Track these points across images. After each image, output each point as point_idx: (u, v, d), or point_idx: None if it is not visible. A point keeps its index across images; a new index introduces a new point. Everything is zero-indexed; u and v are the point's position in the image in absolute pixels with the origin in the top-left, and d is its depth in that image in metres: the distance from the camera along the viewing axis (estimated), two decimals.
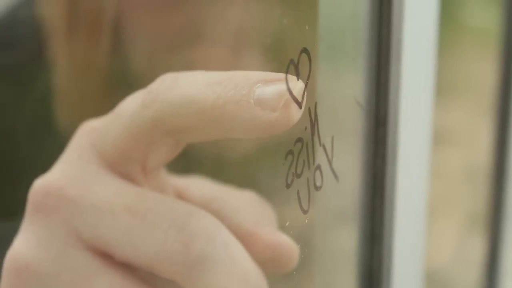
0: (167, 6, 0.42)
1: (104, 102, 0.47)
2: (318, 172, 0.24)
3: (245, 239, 0.26)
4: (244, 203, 0.28)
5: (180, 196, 0.29)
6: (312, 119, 0.24)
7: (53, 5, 0.46)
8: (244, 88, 0.22)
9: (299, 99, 0.22)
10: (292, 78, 0.22)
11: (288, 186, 0.23)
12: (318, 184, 0.24)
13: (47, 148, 0.49)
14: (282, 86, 0.22)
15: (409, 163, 0.30)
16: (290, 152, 0.23)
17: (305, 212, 0.24)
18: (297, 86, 0.22)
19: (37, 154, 0.49)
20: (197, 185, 0.30)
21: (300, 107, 0.22)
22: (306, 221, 0.24)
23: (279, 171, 0.23)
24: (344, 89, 0.30)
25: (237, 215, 0.27)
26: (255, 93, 0.22)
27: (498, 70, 0.63)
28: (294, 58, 0.22)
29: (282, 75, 0.22)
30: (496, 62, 0.63)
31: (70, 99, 0.48)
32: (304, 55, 0.23)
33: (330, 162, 0.25)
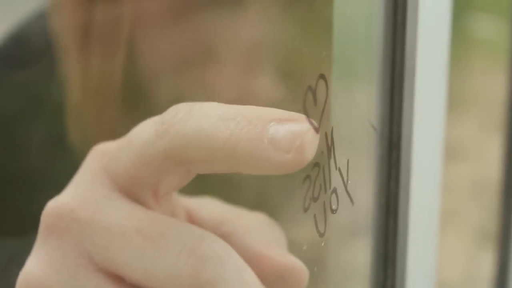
0: (180, 24, 0.43)
1: (117, 118, 0.47)
2: (334, 195, 0.25)
3: (255, 261, 0.27)
4: (255, 225, 0.28)
5: (191, 217, 0.29)
6: (328, 143, 0.24)
7: (67, 22, 0.47)
8: (258, 126, 0.22)
9: (313, 140, 0.22)
10: (307, 119, 0.22)
11: (305, 210, 0.24)
12: (334, 207, 0.25)
13: (59, 163, 0.50)
14: (296, 126, 0.22)
15: (422, 185, 0.30)
16: (308, 176, 0.24)
17: (321, 235, 0.24)
18: (314, 126, 0.22)
19: (50, 170, 0.50)
20: (208, 206, 0.30)
21: (315, 150, 0.22)
22: (323, 244, 0.24)
23: (296, 195, 0.24)
24: (358, 112, 0.30)
25: (247, 236, 0.28)
26: (269, 132, 0.22)
27: (508, 83, 0.63)
28: (311, 84, 0.23)
29: (297, 115, 0.22)
30: (505, 76, 0.63)
31: (82, 114, 0.49)
32: (321, 81, 0.24)
33: (345, 185, 0.25)
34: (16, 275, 0.26)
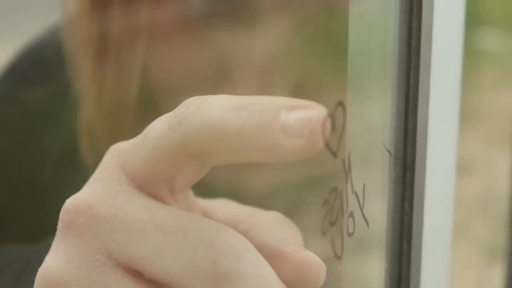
0: (194, 42, 0.43)
1: (130, 136, 0.47)
2: (350, 219, 0.25)
3: (272, 257, 0.27)
4: (271, 223, 0.28)
5: (207, 217, 0.29)
6: (346, 168, 0.25)
7: (82, 38, 0.47)
8: (269, 114, 0.23)
9: (324, 127, 0.22)
10: (317, 107, 0.22)
11: (324, 233, 0.24)
12: (350, 230, 0.25)
13: (72, 180, 0.50)
14: (307, 113, 0.22)
15: (436, 206, 0.31)
16: (326, 201, 0.24)
17: (338, 258, 0.25)
18: (323, 113, 0.22)
19: (62, 186, 0.50)
20: (223, 206, 0.30)
21: (326, 137, 0.22)
22: (340, 267, 0.25)
23: (314, 219, 0.24)
24: (372, 135, 0.31)
25: (264, 234, 0.28)
26: (280, 119, 0.22)
27: None
28: (330, 111, 0.23)
29: (307, 102, 0.23)
30: None
31: (96, 132, 0.49)
32: (340, 108, 0.24)
33: (361, 208, 0.26)
34: (33, 277, 0.26)
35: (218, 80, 0.42)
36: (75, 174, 0.50)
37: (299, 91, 0.41)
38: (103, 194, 0.26)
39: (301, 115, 0.22)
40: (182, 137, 0.24)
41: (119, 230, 0.25)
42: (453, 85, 0.31)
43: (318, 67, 0.41)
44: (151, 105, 0.47)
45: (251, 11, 0.41)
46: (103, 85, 0.46)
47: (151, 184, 0.26)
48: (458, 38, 0.31)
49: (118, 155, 0.27)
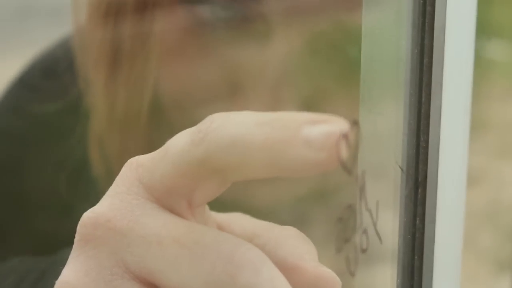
0: (206, 57, 0.44)
1: (140, 151, 0.48)
2: (364, 235, 0.26)
3: (289, 272, 0.27)
4: (286, 238, 0.28)
5: (223, 231, 0.30)
6: (360, 185, 0.25)
7: (93, 52, 0.47)
8: (292, 129, 0.23)
9: (346, 139, 0.23)
10: (339, 120, 0.23)
11: (338, 251, 0.24)
12: (364, 247, 0.26)
13: (83, 193, 0.50)
14: (329, 127, 0.23)
15: (447, 224, 0.31)
16: (340, 219, 0.24)
17: (352, 274, 0.25)
18: (345, 126, 0.23)
19: (73, 200, 0.51)
20: (239, 220, 0.30)
21: (348, 149, 0.23)
22: (354, 283, 0.25)
23: (329, 236, 0.24)
24: (385, 152, 0.31)
25: (280, 249, 0.28)
26: (303, 132, 0.23)
27: None
28: (345, 131, 0.23)
29: (328, 116, 0.23)
30: None
31: (106, 146, 0.49)
32: (355, 127, 0.24)
33: (375, 225, 0.26)
34: None
35: (230, 95, 0.43)
36: (86, 186, 0.50)
37: (310, 107, 0.42)
38: (121, 208, 0.26)
39: (324, 129, 0.23)
40: (204, 152, 0.24)
41: (136, 244, 0.25)
42: (464, 102, 0.31)
43: (330, 83, 0.41)
44: (162, 118, 0.47)
45: (263, 27, 0.41)
46: (114, 98, 0.46)
47: (170, 198, 0.26)
48: (469, 57, 0.31)
49: (137, 169, 0.27)
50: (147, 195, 0.26)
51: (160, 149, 0.26)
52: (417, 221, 0.31)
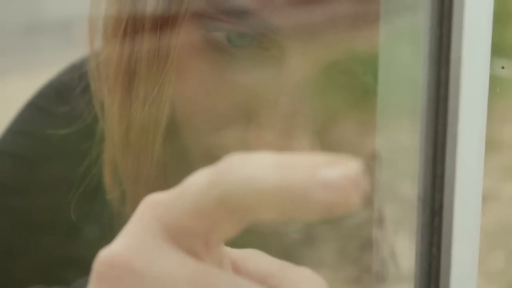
0: (221, 84, 0.44)
1: (154, 174, 0.48)
2: (383, 265, 0.26)
3: None
4: (301, 279, 0.29)
5: (237, 268, 0.30)
6: (379, 216, 0.26)
7: (110, 79, 0.48)
8: (310, 171, 0.23)
9: (362, 182, 0.23)
10: (355, 163, 0.23)
11: (359, 280, 0.25)
12: (383, 276, 0.26)
13: (96, 216, 0.51)
14: (346, 169, 0.23)
15: (463, 252, 0.32)
16: (362, 248, 0.25)
17: None
18: (360, 168, 0.23)
19: (86, 222, 0.51)
20: (254, 258, 0.30)
21: (364, 192, 0.23)
22: None
23: (350, 266, 0.25)
24: (401, 181, 0.32)
25: None
26: (320, 175, 0.23)
27: None
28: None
29: (346, 158, 0.23)
30: None
31: (120, 169, 0.50)
32: (373, 159, 0.25)
33: (393, 254, 0.27)
34: None
35: (244, 121, 0.43)
36: (99, 209, 0.51)
37: (324, 134, 0.42)
38: (137, 248, 0.26)
39: (340, 171, 0.23)
40: (223, 193, 0.25)
41: (152, 285, 0.26)
42: (479, 132, 0.32)
43: (344, 110, 0.42)
44: (176, 142, 0.47)
45: (278, 54, 0.42)
46: (129, 121, 0.47)
47: (187, 238, 0.26)
48: (484, 88, 0.32)
49: (154, 207, 0.27)
50: (164, 234, 0.27)
51: (178, 188, 0.27)
52: (433, 249, 0.32)
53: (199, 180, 0.26)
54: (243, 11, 0.40)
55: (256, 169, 0.24)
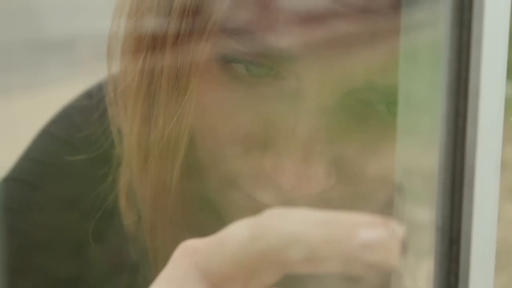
0: (239, 113, 0.44)
1: (170, 200, 0.48)
2: None
3: None
4: None
5: None
6: (403, 247, 0.26)
7: (128, 101, 0.48)
8: (350, 230, 0.25)
9: (402, 242, 0.24)
10: (393, 223, 0.25)
11: None
12: None
13: (113, 242, 0.51)
14: (385, 231, 0.24)
15: (480, 281, 0.32)
16: (385, 281, 0.26)
17: None
18: (400, 230, 0.25)
19: (103, 248, 0.51)
20: None
21: (403, 250, 0.24)
22: None
23: None
24: (421, 211, 0.32)
25: None
26: (360, 236, 0.24)
27: None
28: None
29: (384, 220, 0.25)
30: None
31: (136, 195, 0.50)
32: (397, 193, 0.26)
33: (415, 282, 0.27)
34: None
35: (262, 150, 0.44)
36: (115, 234, 0.51)
37: (341, 164, 0.43)
38: None
39: (380, 233, 0.25)
40: (264, 247, 0.26)
41: None
42: (495, 164, 0.33)
43: (361, 141, 0.42)
44: (193, 169, 0.48)
45: (296, 84, 0.42)
46: (147, 149, 0.47)
47: (226, 285, 0.27)
48: (500, 121, 0.32)
49: (192, 254, 0.28)
50: (203, 281, 0.27)
51: (216, 237, 0.28)
52: (451, 278, 0.32)
53: (239, 233, 0.27)
54: (262, 44, 0.40)
55: (298, 226, 0.25)
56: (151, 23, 0.44)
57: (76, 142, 0.54)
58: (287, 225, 0.25)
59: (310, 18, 0.39)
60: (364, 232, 0.24)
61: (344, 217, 0.25)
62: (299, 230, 0.25)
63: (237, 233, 0.27)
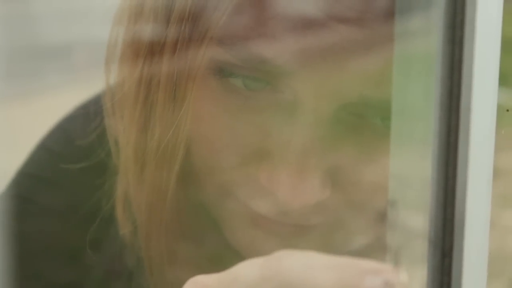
0: (235, 125, 0.45)
1: (167, 212, 0.48)
2: None
3: None
4: None
5: None
6: (395, 262, 0.27)
7: (126, 111, 0.48)
8: (356, 277, 0.26)
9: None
10: (398, 271, 0.26)
11: None
12: None
13: (109, 253, 0.51)
14: (389, 278, 0.26)
15: None
16: None
17: None
18: (403, 277, 0.26)
19: (100, 258, 0.51)
20: None
21: None
22: None
23: None
24: (414, 225, 0.33)
25: None
26: (366, 283, 0.26)
27: None
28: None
29: (389, 266, 0.26)
30: None
31: (132, 206, 0.50)
32: (392, 207, 0.26)
33: None
34: None
35: (258, 161, 0.44)
36: (111, 244, 0.51)
37: (336, 176, 0.43)
38: None
39: (385, 279, 0.26)
40: None
41: None
42: (487, 179, 0.33)
43: (357, 153, 0.43)
44: (189, 179, 0.48)
45: (292, 97, 0.43)
46: (144, 159, 0.47)
47: None
48: (491, 135, 0.33)
49: None
50: None
51: (226, 274, 0.28)
52: None
53: (250, 273, 0.28)
54: (259, 59, 0.41)
55: (307, 270, 0.26)
56: (149, 32, 0.45)
57: (72, 154, 0.54)
58: (296, 269, 0.26)
59: (306, 33, 0.40)
60: (371, 279, 0.26)
61: (352, 263, 0.26)
62: (308, 274, 0.26)
63: (248, 273, 0.28)
